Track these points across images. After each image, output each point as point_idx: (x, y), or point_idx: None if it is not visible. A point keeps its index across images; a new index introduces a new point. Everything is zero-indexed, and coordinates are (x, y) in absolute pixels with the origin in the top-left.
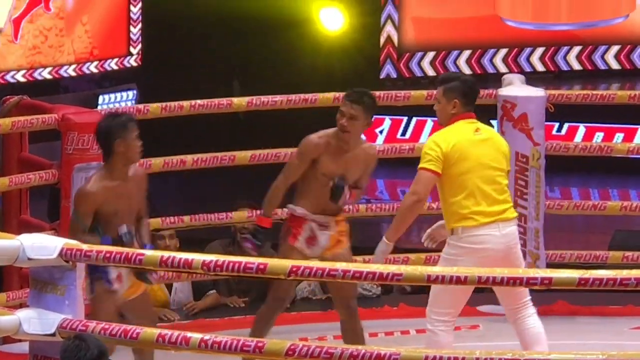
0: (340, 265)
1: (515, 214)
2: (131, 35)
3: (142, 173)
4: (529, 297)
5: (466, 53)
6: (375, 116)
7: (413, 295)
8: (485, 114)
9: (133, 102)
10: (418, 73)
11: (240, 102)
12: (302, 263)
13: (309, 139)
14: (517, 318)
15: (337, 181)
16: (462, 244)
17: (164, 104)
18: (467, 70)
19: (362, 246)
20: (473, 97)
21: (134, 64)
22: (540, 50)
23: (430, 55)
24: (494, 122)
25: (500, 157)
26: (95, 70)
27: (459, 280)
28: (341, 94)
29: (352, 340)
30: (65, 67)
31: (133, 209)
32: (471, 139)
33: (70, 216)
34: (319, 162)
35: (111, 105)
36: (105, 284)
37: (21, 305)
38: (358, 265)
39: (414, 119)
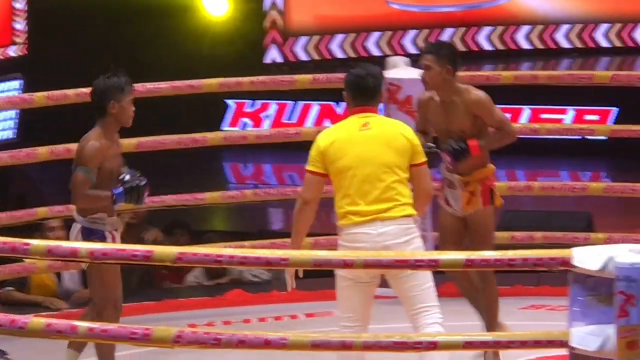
0: (227, 251)
1: (403, 213)
2: (15, 25)
3: (119, 141)
4: (429, 304)
5: (351, 36)
6: (260, 101)
7: (303, 280)
8: None
9: (20, 91)
10: (303, 57)
11: None
12: (188, 249)
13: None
14: (416, 327)
15: (449, 143)
16: (342, 242)
17: (49, 92)
18: (351, 54)
19: (251, 231)
20: (363, 91)
21: (20, 54)
22: (425, 32)
23: (315, 39)
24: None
25: (389, 153)
26: None
27: (345, 264)
28: (227, 79)
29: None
30: None
31: (119, 171)
32: (353, 135)
33: (76, 175)
34: (429, 118)
35: None
36: None
37: None
38: (244, 251)
39: (300, 103)
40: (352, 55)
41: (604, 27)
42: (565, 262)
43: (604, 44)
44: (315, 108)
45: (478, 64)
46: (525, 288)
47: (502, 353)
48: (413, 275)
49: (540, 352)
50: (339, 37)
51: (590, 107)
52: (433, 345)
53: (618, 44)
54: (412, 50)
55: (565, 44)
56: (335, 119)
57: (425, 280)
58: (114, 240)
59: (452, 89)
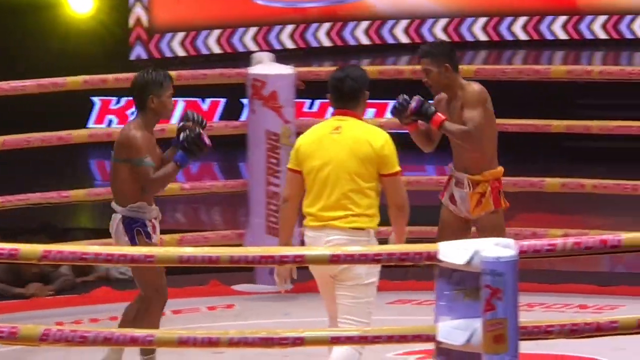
0: (93, 249)
1: (352, 225)
2: None
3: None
4: (353, 319)
5: (216, 32)
6: (126, 98)
7: (169, 277)
8: (237, 93)
9: None
10: (168, 54)
11: None
12: (53, 247)
13: None
14: None
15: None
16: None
17: None
18: (217, 50)
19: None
20: (340, 94)
21: None
22: (289, 28)
23: (180, 35)
24: (245, 101)
25: (351, 160)
26: None
27: (210, 260)
28: (92, 77)
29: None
30: None
31: (159, 164)
32: (323, 138)
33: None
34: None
35: None
36: (146, 238)
37: None
38: (110, 249)
39: None
40: (218, 51)
41: (469, 21)
42: (431, 256)
43: (469, 37)
44: (180, 104)
45: (344, 59)
46: (391, 282)
47: (369, 348)
48: (354, 287)
49: (408, 346)
50: (204, 34)
51: None
52: (300, 341)
53: (483, 37)
54: (277, 46)
55: (430, 38)
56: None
57: (365, 294)
58: (154, 229)
59: (457, 85)
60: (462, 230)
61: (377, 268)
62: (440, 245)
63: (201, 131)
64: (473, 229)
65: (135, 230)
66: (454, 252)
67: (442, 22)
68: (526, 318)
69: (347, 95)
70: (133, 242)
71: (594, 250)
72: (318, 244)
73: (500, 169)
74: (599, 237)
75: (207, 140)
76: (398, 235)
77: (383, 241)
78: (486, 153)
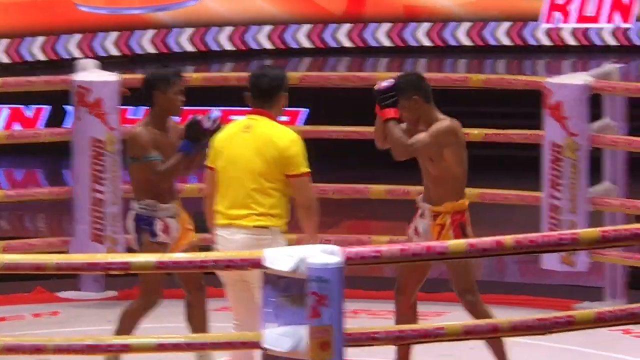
0: None
1: (255, 223)
2: None
3: (178, 127)
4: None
5: (40, 39)
6: None
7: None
8: (61, 100)
9: None
10: None
11: None
12: None
13: None
14: None
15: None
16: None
17: None
18: (41, 57)
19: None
20: (256, 92)
21: None
22: (113, 35)
23: (4, 42)
24: (69, 108)
25: (257, 160)
26: None
27: (37, 267)
28: None
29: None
30: None
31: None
32: (234, 136)
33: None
34: None
35: None
36: (150, 236)
37: None
38: None
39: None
40: (42, 58)
41: (294, 28)
42: (257, 263)
43: (294, 45)
44: (5, 111)
45: (168, 66)
46: (218, 289)
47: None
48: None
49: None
50: (28, 41)
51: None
52: (125, 348)
53: (308, 44)
54: (101, 53)
55: (255, 46)
56: (25, 122)
57: None
58: (165, 228)
59: (433, 117)
60: (428, 264)
61: None
62: (266, 252)
63: (200, 117)
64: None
65: (141, 228)
66: (280, 259)
67: (267, 28)
68: (352, 325)
69: (262, 94)
70: (138, 241)
71: (420, 257)
72: (222, 243)
73: (463, 202)
74: (425, 244)
75: (207, 124)
76: (308, 237)
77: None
78: (451, 188)
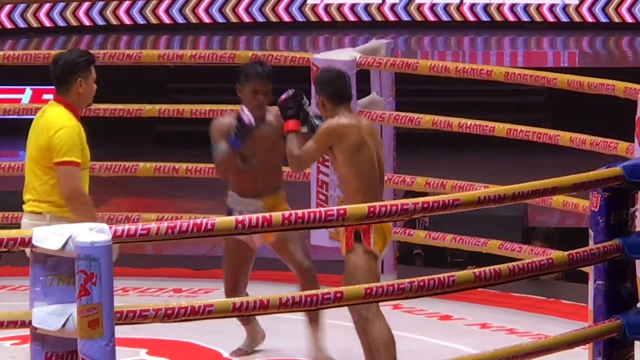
0: None
1: (30, 209)
2: None
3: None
4: None
5: None
6: None
7: None
8: None
9: None
10: None
11: None
12: None
13: None
14: None
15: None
16: None
17: None
18: None
19: None
20: (53, 78)
21: None
22: None
23: None
24: None
25: (34, 146)
26: None
27: None
28: None
29: None
30: None
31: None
32: (34, 122)
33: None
34: None
35: None
36: None
37: None
38: None
39: None
40: None
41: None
42: (26, 242)
43: (61, 22)
44: None
45: None
46: (16, 268)
47: None
48: None
49: (3, 332)
50: None
51: (48, 86)
52: None
53: (74, 22)
54: None
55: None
56: None
57: None
58: None
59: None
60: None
61: None
62: (35, 231)
63: (241, 114)
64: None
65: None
66: (48, 237)
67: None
68: (121, 303)
69: (56, 81)
70: None
71: (188, 234)
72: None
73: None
74: (193, 221)
75: (246, 120)
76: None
77: None
78: (352, 190)
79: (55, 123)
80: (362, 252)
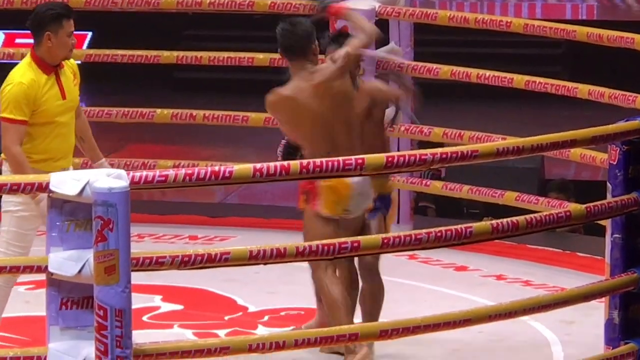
0: None
1: (3, 157)
2: None
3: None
4: None
5: None
6: None
7: None
8: None
9: None
10: None
11: None
12: None
13: None
14: None
15: None
16: None
17: None
18: None
19: None
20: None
21: None
22: None
23: None
24: None
25: None
26: None
27: None
28: None
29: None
30: None
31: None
32: None
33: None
34: None
35: None
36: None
37: None
38: None
39: None
40: None
41: None
42: (43, 187)
43: None
44: None
45: None
46: None
47: None
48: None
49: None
50: None
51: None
52: None
53: None
54: None
55: None
56: None
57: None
58: None
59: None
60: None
61: (13, 198)
62: (52, 176)
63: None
64: None
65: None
66: (65, 183)
67: None
68: (137, 249)
69: (31, 33)
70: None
71: (206, 182)
72: None
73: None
74: (211, 169)
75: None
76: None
77: None
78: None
79: (9, 78)
80: (309, 214)
